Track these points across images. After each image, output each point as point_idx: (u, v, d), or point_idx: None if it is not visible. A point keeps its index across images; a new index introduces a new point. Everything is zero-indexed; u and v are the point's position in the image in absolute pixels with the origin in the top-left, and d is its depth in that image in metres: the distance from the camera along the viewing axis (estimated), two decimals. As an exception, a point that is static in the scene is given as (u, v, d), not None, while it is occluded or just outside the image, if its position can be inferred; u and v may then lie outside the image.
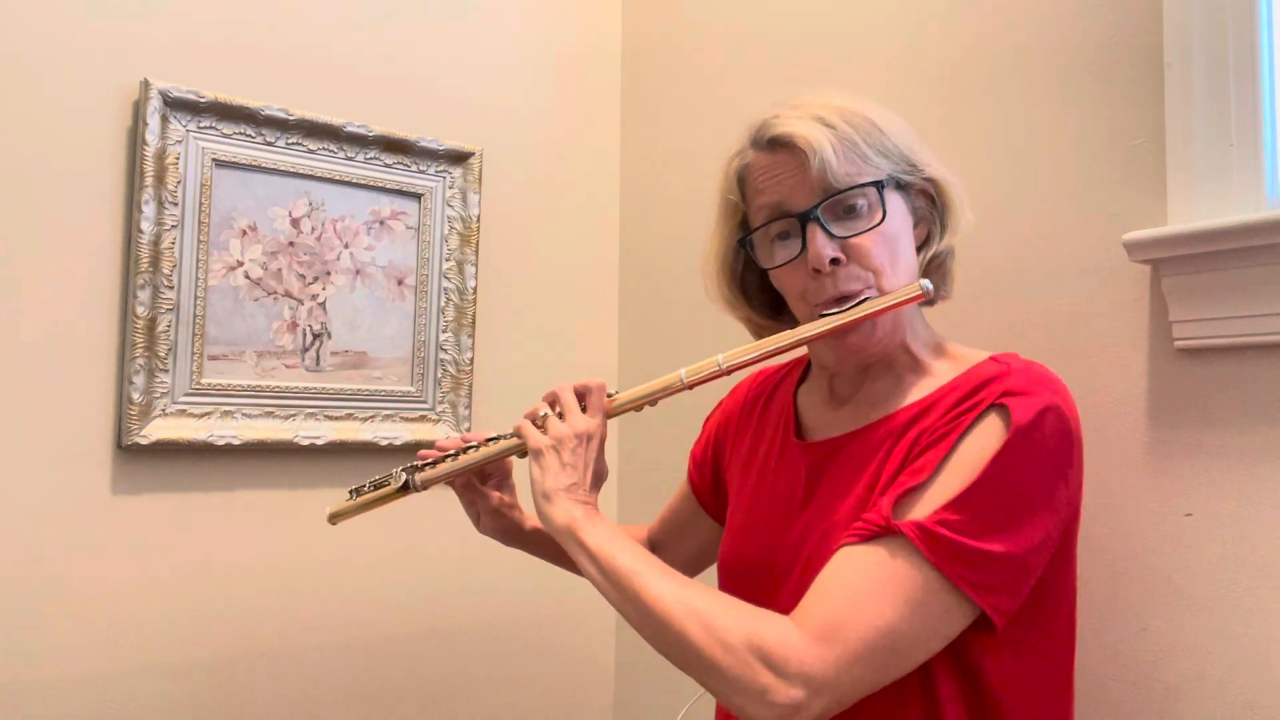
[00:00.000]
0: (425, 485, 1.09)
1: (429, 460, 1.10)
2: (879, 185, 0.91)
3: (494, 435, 1.07)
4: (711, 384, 1.19)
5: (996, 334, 1.19)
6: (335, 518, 1.13)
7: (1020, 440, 0.82)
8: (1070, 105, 1.15)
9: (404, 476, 1.08)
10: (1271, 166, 0.99)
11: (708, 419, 1.23)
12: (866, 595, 0.80)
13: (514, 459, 1.14)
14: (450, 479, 1.10)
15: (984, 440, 0.83)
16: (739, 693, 0.79)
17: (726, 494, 1.13)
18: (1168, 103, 1.05)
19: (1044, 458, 0.83)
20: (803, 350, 1.08)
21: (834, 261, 0.90)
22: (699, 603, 0.83)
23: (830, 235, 0.90)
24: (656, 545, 1.25)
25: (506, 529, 1.17)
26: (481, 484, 1.15)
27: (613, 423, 1.85)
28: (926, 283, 0.89)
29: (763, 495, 1.03)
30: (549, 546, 1.18)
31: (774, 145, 0.94)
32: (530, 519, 1.18)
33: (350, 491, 1.13)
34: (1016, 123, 1.21)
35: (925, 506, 0.82)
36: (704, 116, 1.73)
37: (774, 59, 1.59)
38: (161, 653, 1.41)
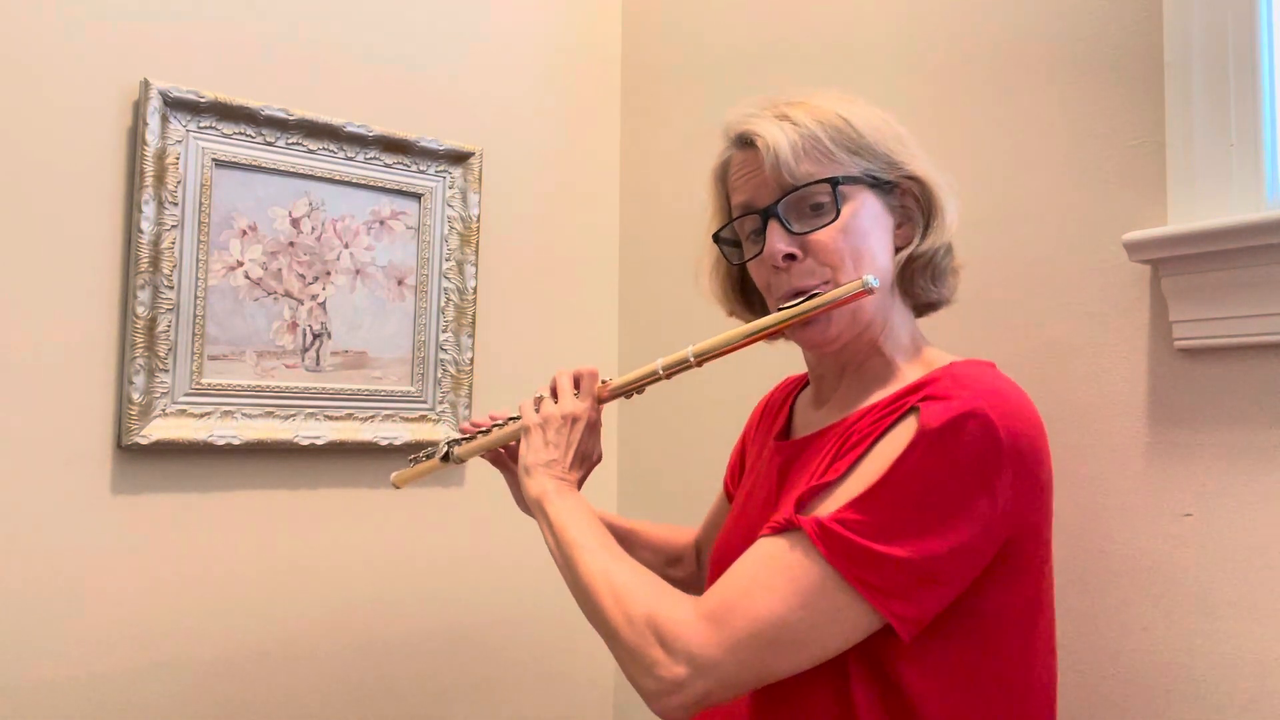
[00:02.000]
0: (462, 458, 1.18)
1: (467, 435, 1.18)
2: (834, 182, 0.91)
3: (515, 415, 1.13)
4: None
5: (996, 335, 1.19)
6: (397, 481, 1.23)
7: (926, 445, 0.80)
8: (1070, 105, 1.15)
9: (445, 448, 1.19)
10: (1271, 166, 0.99)
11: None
12: (760, 584, 0.81)
13: None
14: (480, 453, 1.17)
15: (896, 443, 0.82)
16: (633, 663, 0.83)
17: None
18: (1168, 103, 1.05)
19: (957, 464, 0.80)
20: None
21: (790, 257, 0.92)
22: (620, 578, 0.88)
23: (789, 231, 0.92)
24: (700, 549, 1.27)
25: None
26: (515, 463, 1.18)
27: (612, 424, 1.87)
28: (870, 278, 0.87)
29: (750, 495, 1.06)
30: None
31: (742, 143, 0.97)
32: None
33: (409, 460, 1.23)
34: (1016, 123, 1.21)
35: (830, 504, 0.82)
36: (704, 117, 1.72)
37: (773, 59, 1.59)
38: (162, 652, 1.40)
